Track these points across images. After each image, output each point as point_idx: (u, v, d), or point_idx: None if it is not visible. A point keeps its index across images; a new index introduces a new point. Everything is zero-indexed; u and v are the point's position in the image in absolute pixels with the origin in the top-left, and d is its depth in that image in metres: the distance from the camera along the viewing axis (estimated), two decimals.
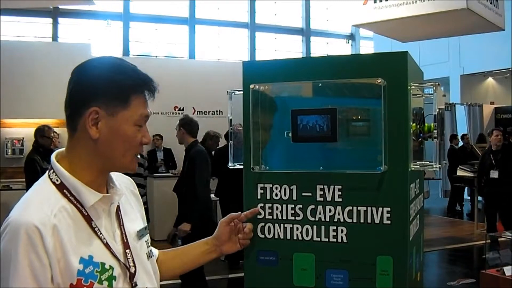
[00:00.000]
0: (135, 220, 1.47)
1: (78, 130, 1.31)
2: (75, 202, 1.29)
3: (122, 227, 1.38)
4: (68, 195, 1.28)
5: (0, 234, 1.22)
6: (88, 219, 1.29)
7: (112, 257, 1.31)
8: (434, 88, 1.70)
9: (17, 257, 1.17)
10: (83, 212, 1.29)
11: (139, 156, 1.39)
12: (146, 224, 1.52)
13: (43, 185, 1.31)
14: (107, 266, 1.29)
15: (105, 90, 1.30)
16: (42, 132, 6.53)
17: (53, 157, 1.35)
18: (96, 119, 1.29)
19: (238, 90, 1.82)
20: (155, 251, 1.64)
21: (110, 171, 1.40)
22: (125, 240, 1.37)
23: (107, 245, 1.31)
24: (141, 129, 1.36)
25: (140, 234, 1.45)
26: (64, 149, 1.37)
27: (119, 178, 1.47)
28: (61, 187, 1.29)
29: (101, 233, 1.31)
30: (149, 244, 1.50)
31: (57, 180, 1.30)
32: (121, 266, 1.32)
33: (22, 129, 9.48)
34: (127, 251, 1.36)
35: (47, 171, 1.34)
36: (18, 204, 1.27)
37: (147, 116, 1.37)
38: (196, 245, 1.72)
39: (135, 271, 1.35)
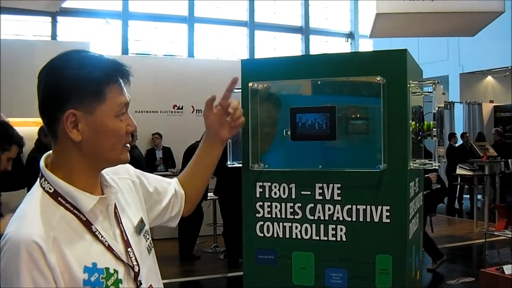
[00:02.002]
0: (132, 214, 1.42)
1: (59, 136, 1.26)
2: (72, 208, 1.24)
3: (121, 225, 1.35)
4: (64, 202, 1.24)
5: None
6: (88, 224, 1.26)
7: (115, 259, 1.28)
8: (433, 86, 1.69)
9: (19, 276, 1.14)
10: (81, 218, 1.25)
11: (128, 145, 1.34)
12: (142, 216, 1.46)
13: (37, 195, 1.26)
14: (111, 271, 1.26)
15: (76, 89, 1.23)
16: (45, 131, 6.51)
17: (42, 163, 1.30)
18: (74, 121, 1.23)
19: (237, 88, 1.81)
20: (175, 183, 1.64)
21: (103, 168, 1.35)
22: (126, 238, 1.34)
23: (109, 248, 1.28)
24: (124, 117, 1.30)
25: (138, 229, 1.41)
26: (51, 152, 1.32)
27: (110, 171, 1.41)
28: (55, 195, 1.24)
29: (102, 236, 1.27)
30: (148, 236, 1.46)
31: (50, 189, 1.25)
32: (125, 266, 1.30)
33: (22, 128, 9.39)
34: (129, 249, 1.33)
35: (38, 179, 1.29)
36: (14, 218, 1.22)
37: (126, 103, 1.30)
38: (198, 151, 1.69)
39: (138, 269, 1.33)
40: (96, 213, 1.29)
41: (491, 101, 15.25)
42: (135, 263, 1.33)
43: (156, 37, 17.16)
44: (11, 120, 9.60)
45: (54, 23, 15.85)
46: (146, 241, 1.44)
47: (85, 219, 1.26)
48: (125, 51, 16.22)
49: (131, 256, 1.33)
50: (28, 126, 9.00)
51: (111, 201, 1.34)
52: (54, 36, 15.70)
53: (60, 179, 1.26)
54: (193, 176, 1.69)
